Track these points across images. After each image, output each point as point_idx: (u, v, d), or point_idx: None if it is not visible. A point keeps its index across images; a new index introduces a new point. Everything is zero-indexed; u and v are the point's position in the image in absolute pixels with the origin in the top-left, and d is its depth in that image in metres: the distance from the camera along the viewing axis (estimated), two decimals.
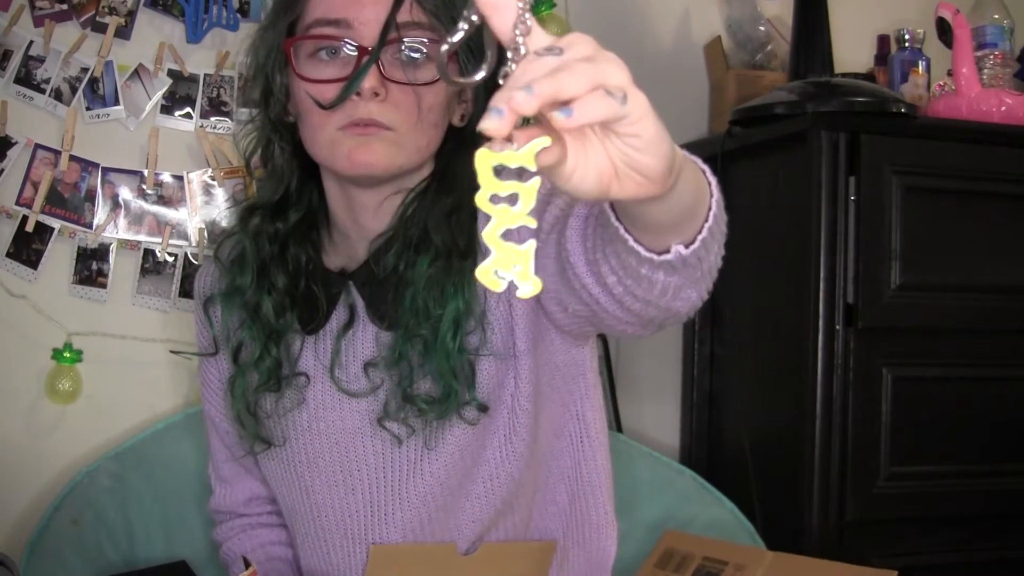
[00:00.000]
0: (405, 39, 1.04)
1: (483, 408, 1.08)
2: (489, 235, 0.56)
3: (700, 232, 0.76)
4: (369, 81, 1.02)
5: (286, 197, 1.14)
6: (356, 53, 1.04)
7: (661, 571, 1.29)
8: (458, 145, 1.12)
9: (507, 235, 0.57)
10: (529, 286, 0.57)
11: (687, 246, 0.76)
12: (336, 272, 1.14)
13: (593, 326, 1.00)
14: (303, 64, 1.07)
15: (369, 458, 1.13)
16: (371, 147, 1.04)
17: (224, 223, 1.55)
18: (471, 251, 1.07)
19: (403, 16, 1.04)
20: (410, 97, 1.05)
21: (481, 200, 0.56)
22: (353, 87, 1.01)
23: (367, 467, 1.13)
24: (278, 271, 1.12)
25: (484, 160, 0.56)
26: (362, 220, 1.12)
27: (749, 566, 1.20)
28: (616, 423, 1.86)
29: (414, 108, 1.05)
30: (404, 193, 1.11)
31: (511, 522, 1.17)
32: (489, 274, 0.57)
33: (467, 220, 1.08)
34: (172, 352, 1.47)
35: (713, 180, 0.76)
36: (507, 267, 0.57)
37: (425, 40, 1.05)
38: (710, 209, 0.75)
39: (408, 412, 1.08)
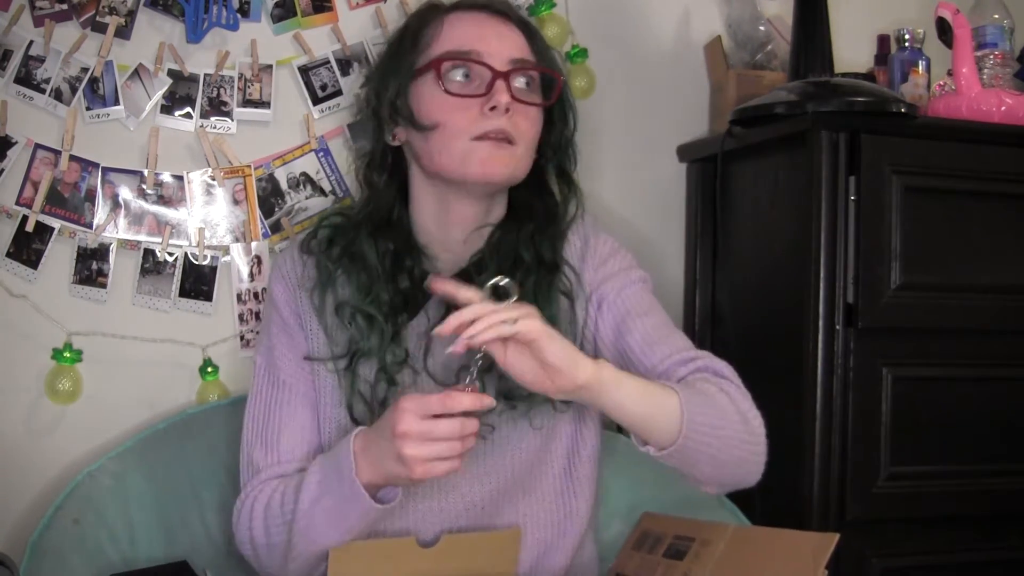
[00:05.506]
0: (525, 71, 1.26)
1: None
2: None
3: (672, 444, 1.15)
4: (505, 97, 1.22)
5: (389, 217, 1.32)
6: (491, 76, 1.23)
7: (637, 552, 1.34)
8: (526, 185, 1.32)
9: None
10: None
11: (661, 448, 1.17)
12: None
13: None
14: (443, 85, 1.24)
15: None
16: (501, 158, 1.24)
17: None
18: (556, 265, 1.30)
19: (517, 53, 1.26)
20: (527, 119, 1.26)
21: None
22: None
23: None
24: (396, 279, 1.28)
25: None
26: (453, 234, 1.30)
27: (713, 540, 1.26)
28: (617, 424, 1.85)
29: (530, 128, 1.27)
30: (489, 227, 1.31)
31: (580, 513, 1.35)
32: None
33: (549, 240, 1.31)
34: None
35: (686, 413, 1.14)
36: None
37: (536, 73, 1.28)
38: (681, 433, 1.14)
39: (500, 404, 1.23)
